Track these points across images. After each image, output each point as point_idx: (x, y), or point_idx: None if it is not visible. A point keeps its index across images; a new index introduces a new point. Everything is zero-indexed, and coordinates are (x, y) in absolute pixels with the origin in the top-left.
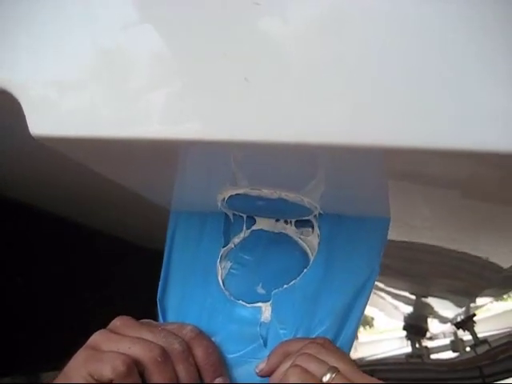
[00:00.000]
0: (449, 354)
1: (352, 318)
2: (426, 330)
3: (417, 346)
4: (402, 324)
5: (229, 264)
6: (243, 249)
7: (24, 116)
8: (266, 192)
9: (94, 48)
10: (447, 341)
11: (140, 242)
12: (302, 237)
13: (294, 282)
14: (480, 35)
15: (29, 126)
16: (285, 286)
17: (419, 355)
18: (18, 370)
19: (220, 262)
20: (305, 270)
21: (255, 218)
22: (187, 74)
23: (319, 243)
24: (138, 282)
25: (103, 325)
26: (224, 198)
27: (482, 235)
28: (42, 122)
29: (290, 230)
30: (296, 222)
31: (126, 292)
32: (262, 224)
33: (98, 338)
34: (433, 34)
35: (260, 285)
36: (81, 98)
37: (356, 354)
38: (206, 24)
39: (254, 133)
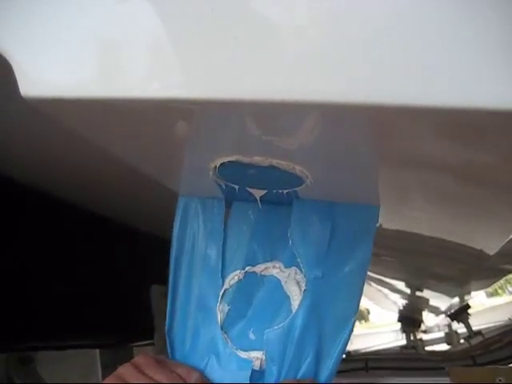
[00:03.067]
0: (443, 347)
1: (338, 344)
2: (421, 321)
3: (411, 338)
4: (396, 316)
5: (226, 307)
6: (238, 292)
7: (15, 79)
8: (257, 159)
9: (87, 11)
10: (442, 334)
11: (147, 228)
12: (288, 281)
13: (283, 323)
14: None
15: (20, 87)
16: (275, 327)
17: (414, 347)
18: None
19: (219, 304)
20: (293, 311)
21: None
22: (176, 36)
23: (305, 288)
24: (141, 267)
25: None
26: (216, 166)
27: (477, 226)
28: (33, 84)
29: (280, 273)
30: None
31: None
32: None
33: (124, 371)
34: None
35: (251, 330)
36: (73, 59)
37: (351, 346)
38: None
39: (247, 91)
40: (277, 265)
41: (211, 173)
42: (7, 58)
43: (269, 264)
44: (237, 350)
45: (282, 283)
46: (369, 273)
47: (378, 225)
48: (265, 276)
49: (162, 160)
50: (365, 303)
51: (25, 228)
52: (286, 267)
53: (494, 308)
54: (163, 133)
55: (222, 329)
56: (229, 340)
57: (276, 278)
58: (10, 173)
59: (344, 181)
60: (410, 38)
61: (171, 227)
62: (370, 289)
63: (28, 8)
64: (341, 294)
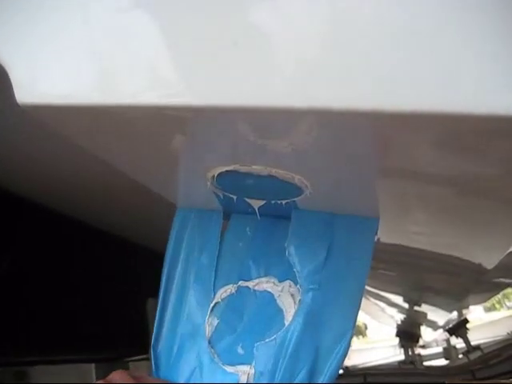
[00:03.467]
0: (442, 362)
1: (334, 359)
2: (419, 336)
3: (409, 353)
4: (394, 331)
5: (216, 321)
6: (229, 306)
7: (11, 85)
8: (255, 168)
9: (84, 19)
10: (440, 348)
11: (143, 242)
12: (281, 294)
13: (275, 336)
14: None
15: (16, 94)
16: (267, 339)
17: (412, 362)
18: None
19: (208, 317)
20: (287, 324)
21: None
22: (178, 44)
23: (300, 298)
24: (137, 281)
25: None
26: (213, 176)
27: (477, 240)
28: (29, 91)
29: (274, 288)
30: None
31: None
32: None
33: None
34: None
35: (240, 345)
36: (69, 66)
37: (349, 361)
38: None
39: (245, 98)
40: (271, 280)
41: (209, 183)
42: (4, 65)
43: (262, 279)
44: (223, 364)
45: (275, 297)
46: (366, 287)
47: (376, 238)
48: (258, 291)
49: (160, 170)
50: (362, 318)
51: (20, 241)
52: (279, 281)
53: (492, 323)
54: (160, 142)
55: (209, 343)
56: (215, 354)
57: (269, 292)
58: (5, 185)
59: (344, 191)
60: (410, 45)
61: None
62: (367, 303)
63: (25, 17)
64: (338, 307)
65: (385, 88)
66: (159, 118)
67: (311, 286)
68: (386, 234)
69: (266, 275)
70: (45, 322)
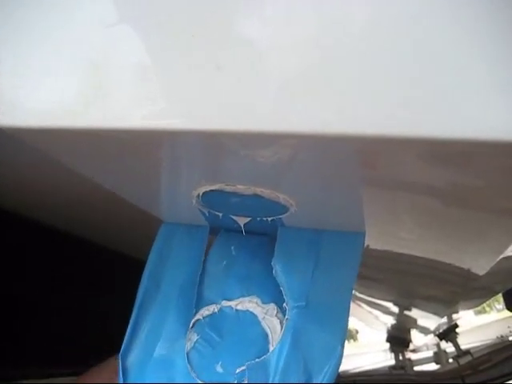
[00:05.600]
0: (432, 366)
1: (324, 375)
2: (409, 341)
3: (400, 358)
4: (385, 336)
5: (195, 337)
6: (210, 324)
7: None
8: (240, 188)
9: (66, 38)
10: (430, 353)
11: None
12: (266, 317)
13: (264, 357)
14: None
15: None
16: (257, 359)
17: (402, 367)
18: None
19: (188, 333)
20: (273, 345)
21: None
22: (160, 66)
23: (288, 317)
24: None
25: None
26: (198, 195)
27: (467, 246)
28: (12, 113)
29: (257, 309)
30: (262, 301)
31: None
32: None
33: None
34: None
35: (220, 363)
36: (53, 88)
37: (340, 367)
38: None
39: (230, 122)
40: (253, 300)
41: (194, 201)
42: None
43: (245, 299)
44: (200, 380)
45: (260, 319)
46: (356, 293)
47: (365, 245)
48: (240, 311)
49: (146, 188)
50: (353, 323)
51: (9, 256)
52: (263, 302)
53: (482, 326)
54: (146, 161)
55: (187, 358)
56: (192, 370)
57: (252, 313)
58: None
59: (329, 208)
60: (402, 66)
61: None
62: (357, 308)
63: (7, 36)
64: (326, 324)
65: (377, 112)
66: (142, 140)
67: (298, 304)
68: (375, 240)
69: (248, 295)
70: (37, 336)
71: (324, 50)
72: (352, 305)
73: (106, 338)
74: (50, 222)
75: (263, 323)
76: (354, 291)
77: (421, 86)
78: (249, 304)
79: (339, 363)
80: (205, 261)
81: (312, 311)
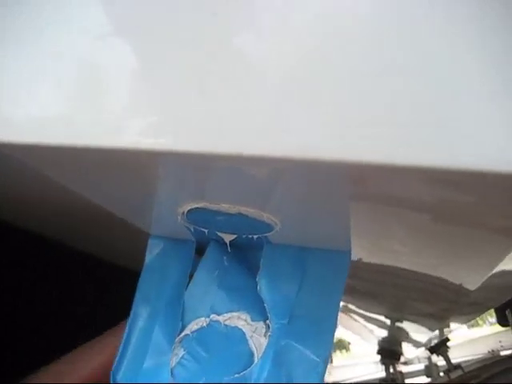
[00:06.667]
0: (423, 380)
1: None
2: (401, 354)
3: (391, 370)
4: (376, 348)
5: (181, 352)
6: (198, 339)
7: None
8: (224, 207)
9: (60, 54)
10: (421, 366)
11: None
12: (254, 335)
13: (244, 372)
14: None
15: None
16: (236, 375)
17: (393, 379)
18: None
19: (175, 348)
20: (255, 362)
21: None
22: (148, 85)
23: (270, 334)
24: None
25: None
26: (183, 212)
27: (458, 261)
28: (4, 130)
29: (246, 326)
30: (251, 318)
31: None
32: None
33: None
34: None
35: (204, 378)
36: (37, 103)
37: (330, 377)
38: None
39: (211, 144)
40: (242, 316)
41: (179, 217)
42: None
43: (234, 314)
44: None
45: (247, 336)
46: (348, 305)
47: (358, 258)
48: (229, 326)
49: (132, 203)
50: (345, 335)
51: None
52: (253, 320)
53: (473, 341)
54: (131, 178)
55: (171, 373)
56: None
57: (241, 330)
58: None
59: (314, 227)
60: (398, 92)
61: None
62: (349, 321)
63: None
64: (309, 341)
65: (374, 139)
66: (128, 159)
67: (282, 321)
68: (368, 253)
69: (238, 310)
70: (34, 347)
71: (316, 74)
72: (344, 317)
73: None
74: (40, 230)
75: (250, 341)
76: (346, 303)
77: (420, 115)
78: (238, 321)
79: (322, 380)
80: (196, 271)
81: (295, 328)
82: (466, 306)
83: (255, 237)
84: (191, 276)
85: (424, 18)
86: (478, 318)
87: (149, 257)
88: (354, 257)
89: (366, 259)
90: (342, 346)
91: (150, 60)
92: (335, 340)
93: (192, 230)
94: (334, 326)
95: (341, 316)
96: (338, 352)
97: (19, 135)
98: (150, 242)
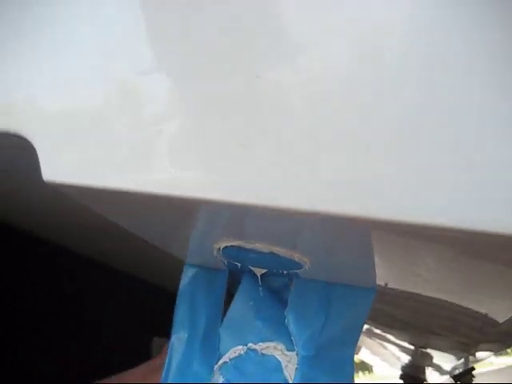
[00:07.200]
0: None
1: None
2: (424, 380)
3: None
4: (399, 373)
5: (220, 379)
6: (235, 366)
7: (37, 157)
8: (258, 246)
9: (109, 100)
10: None
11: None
12: (289, 365)
13: None
14: None
15: (42, 172)
16: None
17: None
18: None
19: (214, 375)
20: None
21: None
22: (194, 138)
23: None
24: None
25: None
26: (219, 248)
27: (484, 291)
28: (55, 170)
29: (282, 356)
30: (286, 348)
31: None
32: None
33: None
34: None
35: None
36: (95, 148)
37: None
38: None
39: (249, 196)
40: (278, 346)
41: (215, 252)
42: (33, 144)
43: (271, 344)
44: None
45: (283, 365)
46: (373, 328)
47: (384, 284)
48: (265, 355)
49: (171, 236)
50: (368, 358)
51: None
52: (288, 350)
53: (500, 370)
54: (174, 219)
55: None
56: None
57: (277, 359)
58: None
59: (341, 267)
60: (416, 152)
61: (173, 276)
62: (373, 343)
63: (55, 95)
64: (332, 373)
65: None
66: (173, 204)
67: (308, 354)
68: (393, 279)
69: (274, 340)
70: (43, 362)
71: (343, 136)
72: (368, 340)
73: (113, 365)
74: (66, 243)
75: (285, 371)
76: (370, 327)
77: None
78: (274, 350)
79: None
80: (233, 300)
81: (321, 360)
82: (494, 336)
83: (285, 272)
84: (225, 303)
85: None
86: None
87: (183, 284)
88: (380, 281)
89: (391, 285)
90: (365, 367)
91: (195, 117)
92: (358, 361)
93: (226, 262)
94: (353, 358)
95: (364, 339)
96: (360, 373)
97: (75, 178)
98: (186, 269)
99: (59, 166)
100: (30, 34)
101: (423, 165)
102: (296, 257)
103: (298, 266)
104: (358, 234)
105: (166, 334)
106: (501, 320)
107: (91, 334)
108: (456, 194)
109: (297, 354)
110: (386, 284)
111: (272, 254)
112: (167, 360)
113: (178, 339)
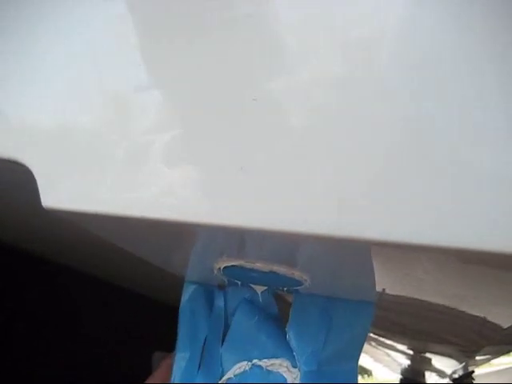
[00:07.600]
0: None
1: None
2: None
3: None
4: (399, 377)
5: None
6: (240, 382)
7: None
8: (259, 265)
9: (110, 124)
10: None
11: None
12: (295, 382)
13: None
14: None
15: (41, 198)
16: None
17: None
18: None
19: None
20: None
21: None
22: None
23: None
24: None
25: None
26: (220, 268)
27: (484, 295)
28: (55, 196)
29: (287, 373)
30: (292, 364)
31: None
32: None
33: None
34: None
35: None
36: (95, 174)
37: None
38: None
39: (249, 220)
40: (284, 363)
41: (215, 271)
42: (32, 170)
43: (276, 361)
44: None
45: (288, 382)
46: (371, 334)
47: (381, 289)
48: (271, 372)
49: (171, 256)
50: (367, 363)
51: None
52: (293, 367)
53: (499, 371)
54: (170, 240)
55: None
56: None
57: (282, 376)
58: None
59: (341, 283)
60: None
61: (173, 291)
62: (371, 348)
63: (53, 121)
64: None
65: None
66: (171, 228)
67: (310, 369)
68: (391, 284)
69: (279, 356)
70: (45, 376)
71: (341, 160)
72: (366, 345)
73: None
74: (68, 261)
75: None
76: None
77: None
78: (279, 367)
79: None
80: (235, 315)
81: (323, 376)
82: (497, 342)
83: (285, 289)
84: (226, 319)
85: None
86: None
87: (184, 301)
88: (378, 288)
89: (389, 290)
90: (364, 371)
91: (195, 141)
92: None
93: (226, 281)
94: (356, 372)
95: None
96: (359, 376)
97: (75, 204)
98: (186, 286)
99: (60, 192)
100: (18, 51)
101: (423, 184)
102: (296, 275)
103: (298, 283)
104: (357, 252)
105: (167, 348)
106: (505, 325)
107: (90, 350)
108: (454, 213)
109: (299, 370)
110: (384, 290)
111: (272, 272)
112: (173, 376)
113: (180, 358)
